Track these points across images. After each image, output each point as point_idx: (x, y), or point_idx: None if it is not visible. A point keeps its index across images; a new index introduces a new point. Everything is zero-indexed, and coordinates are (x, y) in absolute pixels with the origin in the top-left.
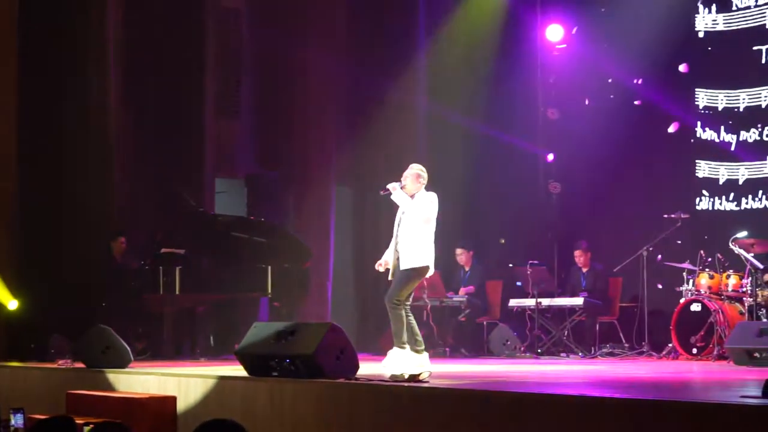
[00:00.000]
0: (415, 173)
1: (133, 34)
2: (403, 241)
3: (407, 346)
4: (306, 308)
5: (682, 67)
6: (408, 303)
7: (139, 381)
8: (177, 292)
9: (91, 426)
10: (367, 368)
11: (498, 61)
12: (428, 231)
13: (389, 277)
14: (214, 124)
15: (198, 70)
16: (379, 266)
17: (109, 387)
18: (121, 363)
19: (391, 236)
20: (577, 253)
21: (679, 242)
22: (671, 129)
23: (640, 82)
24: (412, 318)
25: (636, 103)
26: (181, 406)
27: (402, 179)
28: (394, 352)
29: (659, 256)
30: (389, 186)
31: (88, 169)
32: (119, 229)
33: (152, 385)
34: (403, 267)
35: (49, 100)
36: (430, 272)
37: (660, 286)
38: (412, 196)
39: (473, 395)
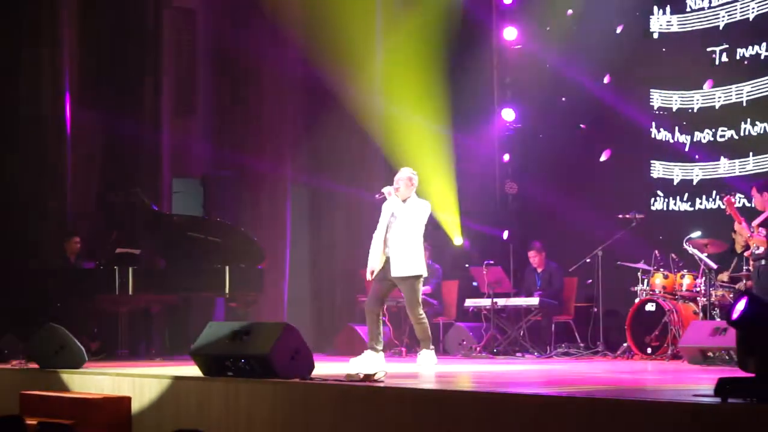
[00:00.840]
0: (408, 176)
1: (88, 33)
2: (396, 247)
3: (432, 347)
4: (262, 308)
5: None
6: (383, 306)
7: (93, 381)
8: (132, 293)
9: (36, 425)
10: (323, 368)
11: (454, 61)
12: (420, 238)
13: (369, 277)
14: (170, 124)
15: (154, 69)
16: (370, 274)
17: (63, 387)
18: (76, 363)
19: (349, 237)
20: (531, 253)
21: (634, 242)
22: (603, 158)
23: (607, 81)
24: (382, 319)
25: (582, 126)
26: (136, 406)
27: (395, 182)
28: (426, 353)
29: (617, 263)
30: (384, 190)
31: (43, 169)
32: (73, 228)
33: (107, 385)
34: (400, 274)
35: (1, 101)
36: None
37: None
38: (404, 200)
39: (429, 395)
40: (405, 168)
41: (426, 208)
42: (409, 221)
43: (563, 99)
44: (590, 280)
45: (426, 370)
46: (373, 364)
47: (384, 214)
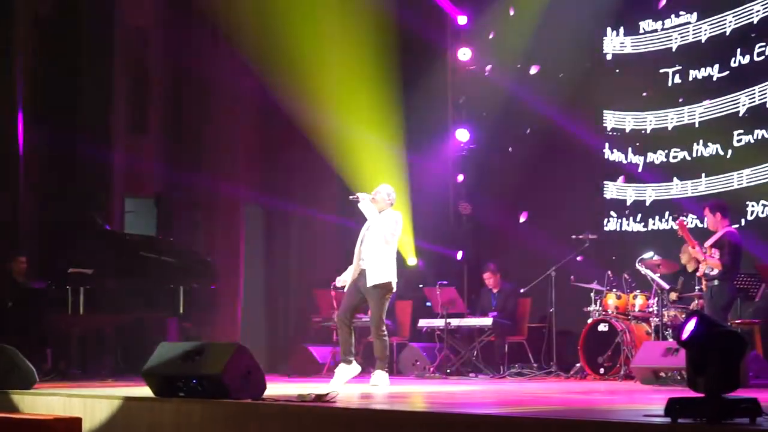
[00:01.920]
0: (387, 191)
1: (42, 51)
2: (368, 258)
3: (387, 369)
4: (216, 328)
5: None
6: (354, 320)
7: (43, 402)
8: (83, 313)
9: None
10: (276, 389)
11: (408, 81)
12: (392, 249)
13: (338, 284)
14: (123, 143)
15: (107, 87)
16: (340, 282)
17: (13, 408)
18: (26, 384)
19: (303, 257)
20: (486, 275)
21: (587, 263)
22: (522, 219)
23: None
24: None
25: (527, 131)
26: (87, 427)
27: (373, 193)
28: (379, 374)
29: (572, 277)
30: (359, 194)
31: None
32: (21, 248)
33: (57, 406)
34: (371, 283)
35: None
36: (395, 288)
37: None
38: (380, 213)
39: (382, 415)
40: (385, 184)
41: (399, 220)
42: (381, 232)
43: (524, 127)
44: (552, 309)
45: (379, 390)
46: (349, 374)
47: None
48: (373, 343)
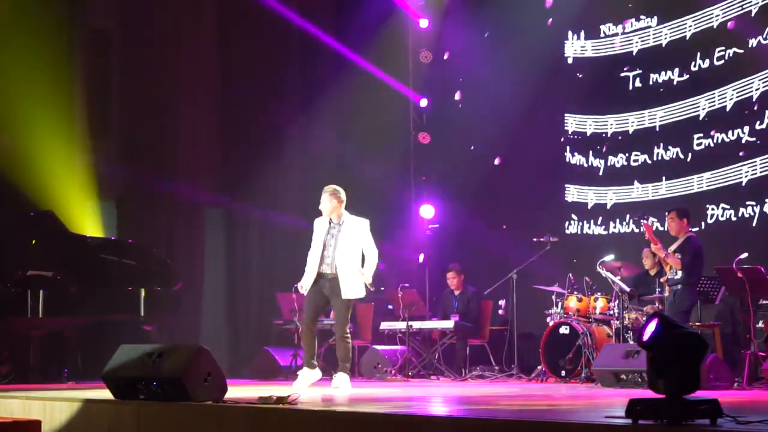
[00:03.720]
0: (329, 194)
1: (1, 54)
2: (344, 268)
3: (349, 372)
4: (177, 331)
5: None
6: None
7: (2, 405)
8: (43, 315)
9: None
10: (238, 392)
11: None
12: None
13: (304, 292)
14: (84, 145)
15: (67, 90)
16: (301, 288)
17: None
18: None
19: (264, 261)
20: (449, 275)
21: (548, 265)
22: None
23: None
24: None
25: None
26: (46, 429)
27: (320, 207)
28: (341, 376)
29: (532, 285)
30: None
31: None
32: None
33: (16, 408)
34: (345, 296)
35: None
36: None
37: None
38: (339, 219)
39: (343, 416)
40: (327, 186)
41: (364, 227)
42: (349, 240)
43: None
44: (503, 311)
45: (340, 392)
46: (312, 379)
47: (317, 232)
48: (337, 346)
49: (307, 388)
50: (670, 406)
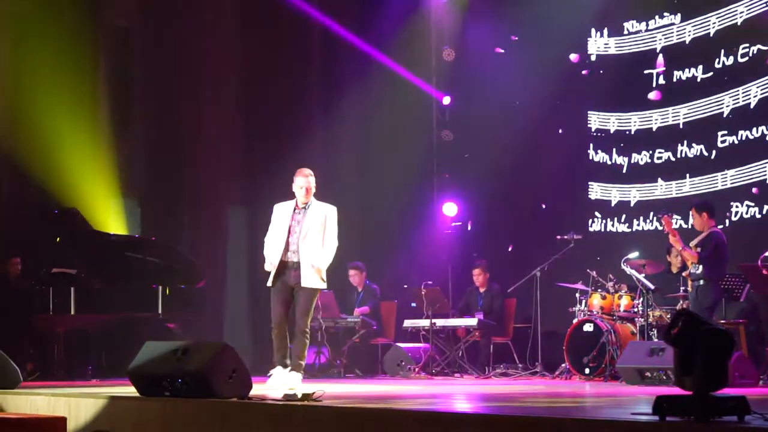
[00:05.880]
0: (310, 173)
1: (25, 52)
2: (308, 256)
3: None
4: (201, 329)
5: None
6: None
7: (28, 402)
8: (68, 312)
9: None
10: (262, 389)
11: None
12: (329, 245)
13: (269, 283)
14: (107, 143)
15: (91, 88)
16: (272, 266)
17: None
18: (10, 383)
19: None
20: (476, 271)
21: (572, 263)
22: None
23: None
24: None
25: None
26: (72, 426)
27: (299, 190)
28: (296, 376)
29: (556, 283)
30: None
31: None
32: (12, 250)
33: (42, 405)
34: (307, 284)
35: None
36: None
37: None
38: (307, 202)
39: (368, 414)
40: (303, 168)
41: (332, 213)
42: (315, 226)
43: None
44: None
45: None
46: (284, 379)
47: (280, 217)
48: (295, 340)
49: (328, 386)
50: (697, 403)
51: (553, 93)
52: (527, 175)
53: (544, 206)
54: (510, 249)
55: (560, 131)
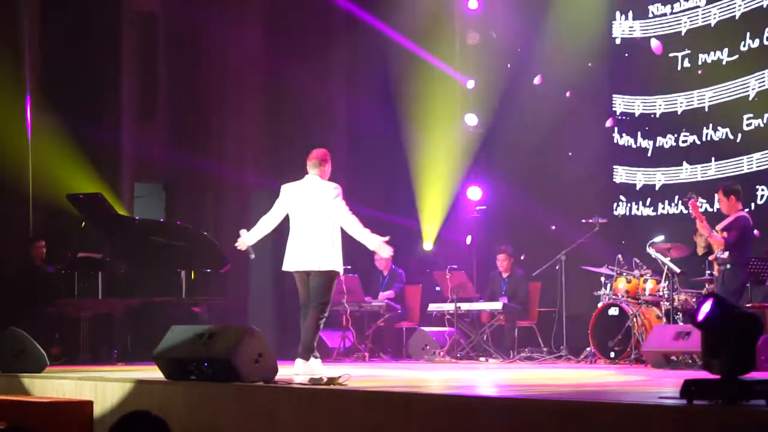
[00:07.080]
0: (326, 153)
1: (49, 36)
2: (318, 237)
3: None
4: (225, 313)
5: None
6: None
7: (54, 386)
8: (93, 296)
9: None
10: (287, 373)
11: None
12: (336, 226)
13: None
14: (131, 128)
15: (114, 73)
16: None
17: (24, 392)
18: (36, 367)
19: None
20: (500, 257)
21: (597, 247)
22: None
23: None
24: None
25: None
26: (98, 410)
27: (316, 173)
28: (315, 362)
29: (581, 266)
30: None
31: (3, 173)
32: (37, 233)
33: (68, 389)
34: (323, 268)
35: None
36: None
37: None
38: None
39: (394, 397)
40: (318, 149)
41: (330, 191)
42: (324, 208)
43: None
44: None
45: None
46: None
47: (288, 198)
48: (306, 328)
49: (354, 370)
50: (725, 387)
51: (578, 76)
52: (551, 159)
53: (552, 209)
54: (553, 228)
55: (585, 114)
